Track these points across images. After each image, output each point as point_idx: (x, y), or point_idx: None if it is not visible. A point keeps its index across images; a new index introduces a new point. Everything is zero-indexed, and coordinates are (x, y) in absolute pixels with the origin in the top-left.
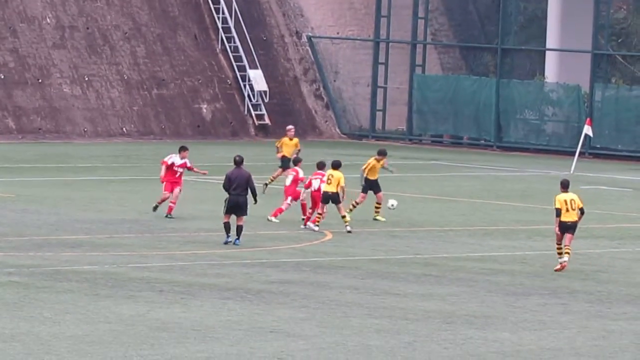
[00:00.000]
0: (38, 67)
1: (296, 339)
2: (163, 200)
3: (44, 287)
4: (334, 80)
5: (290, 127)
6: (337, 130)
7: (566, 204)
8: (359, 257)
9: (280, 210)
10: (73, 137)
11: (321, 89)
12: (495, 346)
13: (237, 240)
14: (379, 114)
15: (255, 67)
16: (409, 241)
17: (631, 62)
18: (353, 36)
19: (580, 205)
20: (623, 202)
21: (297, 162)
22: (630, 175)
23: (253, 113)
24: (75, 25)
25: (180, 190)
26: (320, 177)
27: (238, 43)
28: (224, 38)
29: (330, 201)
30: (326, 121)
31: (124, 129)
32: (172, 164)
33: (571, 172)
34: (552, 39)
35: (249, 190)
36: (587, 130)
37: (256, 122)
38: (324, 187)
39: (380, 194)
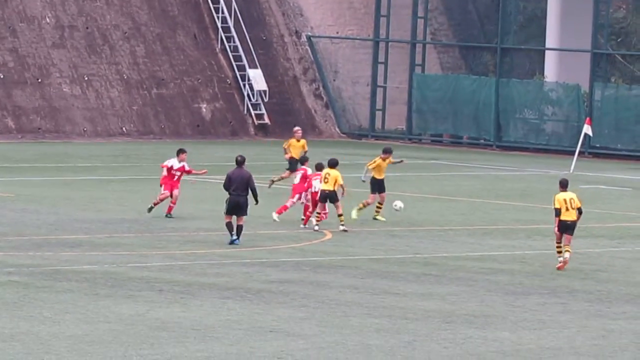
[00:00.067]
0: (37, 67)
1: (296, 338)
2: (161, 200)
3: (44, 286)
4: (334, 80)
5: (297, 128)
6: (337, 129)
7: (565, 203)
8: (358, 256)
9: (285, 208)
10: (72, 137)
11: (321, 88)
12: (494, 345)
13: (237, 240)
14: (379, 114)
15: (255, 67)
16: (409, 240)
17: (630, 62)
18: (352, 36)
19: (579, 205)
20: (622, 201)
21: (304, 160)
22: (630, 174)
23: (252, 112)
24: (75, 25)
25: (179, 192)
26: (319, 177)
27: (237, 42)
28: (224, 37)
29: (328, 200)
30: (326, 121)
31: (123, 128)
32: (171, 167)
33: (571, 171)
34: (551, 39)
35: (250, 191)
36: (587, 129)
37: (256, 122)
38: (322, 186)
39: (384, 194)
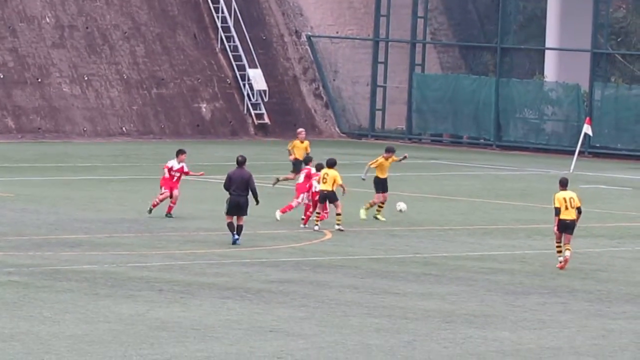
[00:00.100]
0: (37, 67)
1: (296, 338)
2: (161, 201)
3: (44, 286)
4: (334, 80)
5: (301, 129)
6: (337, 129)
7: (565, 202)
8: (358, 256)
9: (290, 207)
10: (72, 137)
11: (320, 88)
12: (494, 345)
13: (238, 240)
14: (379, 113)
15: (255, 67)
16: (409, 240)
17: (630, 61)
18: (352, 35)
19: (578, 205)
20: (622, 201)
21: (308, 161)
22: (630, 174)
23: (252, 112)
24: (75, 25)
25: (179, 192)
26: (319, 178)
27: (237, 42)
28: (224, 37)
29: (327, 200)
30: (325, 120)
31: (123, 128)
32: (171, 168)
33: (571, 171)
34: (551, 38)
35: (250, 191)
36: (587, 129)
37: (255, 122)
38: (320, 186)
39: (387, 194)
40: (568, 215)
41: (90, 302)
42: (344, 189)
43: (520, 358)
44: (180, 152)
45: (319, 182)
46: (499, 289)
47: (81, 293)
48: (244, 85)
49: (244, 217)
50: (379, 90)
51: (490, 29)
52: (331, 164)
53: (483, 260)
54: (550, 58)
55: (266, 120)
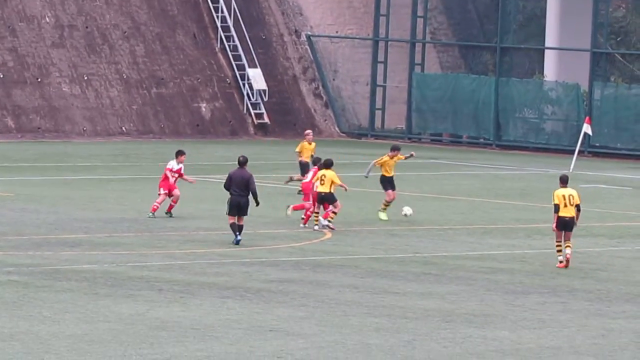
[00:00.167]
0: (37, 66)
1: (295, 337)
2: (160, 203)
3: (43, 286)
4: (333, 79)
5: (308, 131)
6: (336, 129)
7: (564, 199)
8: (358, 255)
9: (303, 207)
10: (72, 136)
11: (320, 87)
12: (494, 345)
13: (240, 240)
14: (378, 113)
15: (255, 66)
16: (408, 240)
17: (630, 61)
18: (352, 35)
19: (578, 202)
20: (622, 200)
21: (316, 162)
22: (630, 173)
23: (252, 112)
24: (74, 25)
25: (179, 191)
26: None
27: (237, 42)
28: (223, 37)
29: (325, 201)
30: (325, 120)
31: (123, 128)
32: (171, 170)
33: (570, 170)
34: (551, 38)
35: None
36: (586, 128)
37: (255, 121)
38: (318, 189)
39: (394, 192)
40: (567, 212)
41: (90, 301)
42: (345, 189)
43: (519, 357)
44: (179, 153)
45: (320, 184)
46: (498, 288)
47: (81, 293)
48: (244, 84)
49: (244, 218)
50: (379, 90)
51: (490, 28)
52: (328, 164)
53: (483, 259)
54: (549, 57)
55: (266, 119)
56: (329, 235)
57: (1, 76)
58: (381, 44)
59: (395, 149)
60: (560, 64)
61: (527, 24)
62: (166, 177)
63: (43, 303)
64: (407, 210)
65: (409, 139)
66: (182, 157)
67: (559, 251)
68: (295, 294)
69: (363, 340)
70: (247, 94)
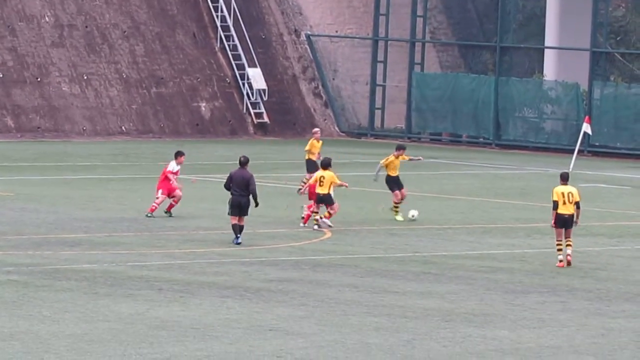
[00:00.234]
0: (37, 66)
1: (295, 337)
2: (159, 204)
3: (43, 285)
4: (333, 79)
5: (316, 129)
6: (336, 128)
7: (563, 196)
8: (358, 255)
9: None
10: (72, 136)
11: (320, 87)
12: (494, 344)
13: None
14: (378, 112)
15: (254, 66)
16: (408, 239)
17: (630, 60)
18: (352, 34)
19: (577, 199)
20: (622, 199)
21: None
22: (629, 172)
23: (252, 111)
24: (74, 24)
25: (181, 192)
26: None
27: (237, 41)
28: (223, 36)
29: (323, 202)
30: (325, 119)
31: (122, 127)
32: (171, 172)
33: (570, 169)
34: (550, 37)
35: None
36: (586, 128)
37: (255, 121)
38: (317, 190)
39: (404, 190)
40: (566, 209)
41: (90, 301)
42: (346, 187)
43: (519, 357)
44: (179, 154)
45: (318, 185)
46: (498, 287)
47: (80, 292)
48: (244, 84)
49: (245, 218)
50: (379, 89)
51: (490, 27)
52: (326, 164)
53: (482, 259)
54: (549, 57)
55: (265, 119)
56: (328, 234)
57: (1, 76)
58: (381, 44)
59: (400, 148)
60: (559, 64)
61: (527, 24)
62: (166, 179)
63: (43, 302)
64: (414, 212)
65: (409, 138)
66: (182, 158)
67: (559, 250)
68: (295, 293)
69: (363, 340)
70: (247, 94)
